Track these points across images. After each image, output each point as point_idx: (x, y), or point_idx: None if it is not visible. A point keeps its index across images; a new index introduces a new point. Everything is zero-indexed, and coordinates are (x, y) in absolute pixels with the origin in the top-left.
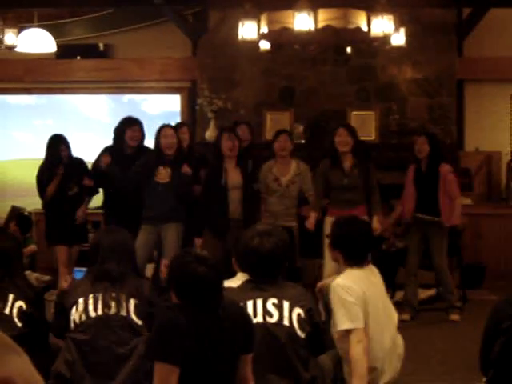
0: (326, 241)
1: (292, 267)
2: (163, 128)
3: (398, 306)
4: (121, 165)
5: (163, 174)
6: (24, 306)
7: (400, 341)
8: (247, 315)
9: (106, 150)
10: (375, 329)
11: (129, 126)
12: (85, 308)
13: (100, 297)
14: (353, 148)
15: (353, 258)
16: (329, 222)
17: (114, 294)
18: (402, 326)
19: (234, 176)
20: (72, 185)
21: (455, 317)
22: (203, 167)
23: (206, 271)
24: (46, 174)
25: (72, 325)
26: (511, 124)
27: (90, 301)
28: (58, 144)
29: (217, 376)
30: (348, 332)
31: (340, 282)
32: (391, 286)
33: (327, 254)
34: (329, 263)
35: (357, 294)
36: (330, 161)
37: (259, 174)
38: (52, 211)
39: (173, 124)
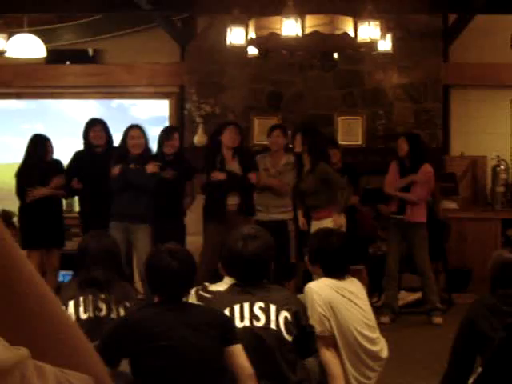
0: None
1: (286, 263)
2: (130, 129)
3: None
4: (92, 165)
5: (152, 166)
6: None
7: (383, 345)
8: (220, 316)
9: (78, 154)
10: (346, 337)
11: (91, 128)
12: (75, 310)
13: (90, 299)
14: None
15: (331, 272)
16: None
17: (103, 297)
18: (383, 329)
19: (231, 165)
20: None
21: (438, 319)
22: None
23: (175, 263)
24: (25, 173)
25: None
26: (498, 129)
27: (81, 303)
28: (43, 143)
29: (194, 369)
30: (317, 337)
31: (312, 286)
32: (377, 289)
33: None
34: None
35: (323, 301)
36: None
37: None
38: (29, 212)
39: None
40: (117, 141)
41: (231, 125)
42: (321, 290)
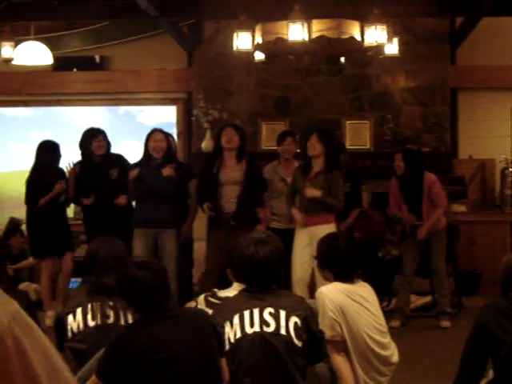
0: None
1: None
2: (154, 132)
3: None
4: (91, 174)
5: (168, 171)
6: None
7: (394, 349)
8: (210, 318)
9: (76, 165)
10: (357, 342)
11: (93, 137)
12: (83, 317)
13: (98, 306)
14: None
15: (342, 276)
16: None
17: (111, 304)
18: (394, 333)
19: (232, 171)
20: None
21: (446, 323)
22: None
23: (145, 274)
24: (35, 181)
25: (70, 334)
26: (508, 132)
27: (89, 310)
28: (54, 149)
29: (189, 381)
30: (328, 341)
31: (323, 291)
32: (387, 293)
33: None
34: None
35: (334, 305)
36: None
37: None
38: (37, 220)
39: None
40: (121, 147)
41: (228, 126)
42: (332, 294)
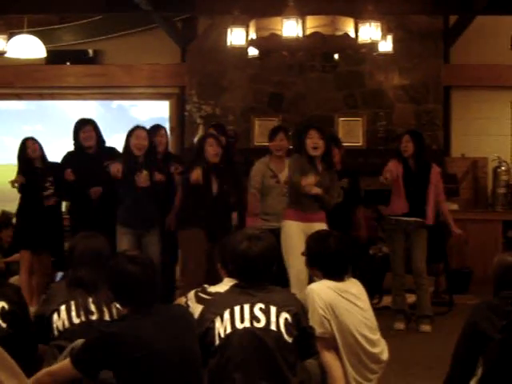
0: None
1: None
2: (136, 129)
3: (386, 311)
4: (84, 166)
5: (143, 178)
6: (6, 306)
7: (384, 346)
8: (192, 316)
9: (70, 155)
10: (346, 339)
11: (81, 128)
12: (67, 315)
13: (81, 303)
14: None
15: (331, 274)
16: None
17: (92, 300)
18: (397, 335)
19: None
20: (48, 185)
21: (426, 327)
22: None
23: (136, 269)
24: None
25: (56, 332)
26: (501, 130)
27: (73, 307)
28: (24, 146)
29: (178, 375)
30: (317, 338)
31: (314, 288)
32: (378, 291)
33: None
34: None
35: (324, 302)
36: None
37: (250, 173)
38: (26, 213)
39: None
40: (113, 141)
41: (209, 137)
42: (322, 291)
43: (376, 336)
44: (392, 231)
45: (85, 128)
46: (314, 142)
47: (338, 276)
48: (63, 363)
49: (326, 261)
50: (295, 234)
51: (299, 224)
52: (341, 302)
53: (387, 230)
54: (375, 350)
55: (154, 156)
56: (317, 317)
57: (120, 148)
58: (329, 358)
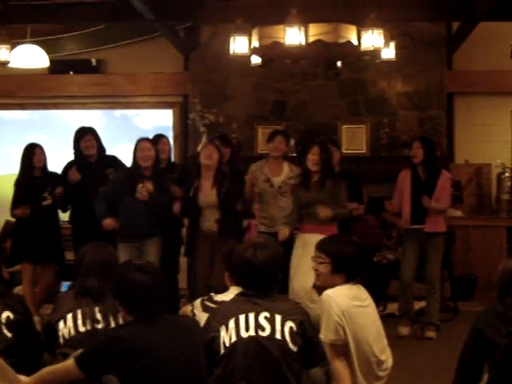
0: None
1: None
2: (140, 141)
3: (391, 318)
4: (86, 175)
5: (144, 191)
6: (11, 316)
7: (389, 353)
8: (199, 325)
9: (71, 164)
10: (360, 346)
11: (81, 137)
12: (74, 323)
13: (87, 311)
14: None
15: (354, 278)
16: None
17: (99, 308)
18: (402, 339)
19: (208, 195)
20: (46, 195)
21: (431, 334)
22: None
23: (144, 278)
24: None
25: (61, 340)
26: (505, 137)
27: (79, 315)
28: (32, 152)
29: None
30: (328, 345)
31: (331, 294)
32: (383, 298)
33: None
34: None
35: (340, 309)
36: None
37: (245, 176)
38: (25, 225)
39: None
40: (118, 150)
41: (209, 143)
42: (338, 298)
43: (385, 343)
44: (405, 238)
45: (85, 137)
46: (315, 159)
47: (355, 280)
48: (67, 363)
49: (350, 264)
50: (307, 250)
51: (313, 236)
52: (356, 309)
53: (391, 236)
54: (383, 357)
55: (159, 168)
56: (332, 324)
57: (122, 157)
58: (339, 365)
